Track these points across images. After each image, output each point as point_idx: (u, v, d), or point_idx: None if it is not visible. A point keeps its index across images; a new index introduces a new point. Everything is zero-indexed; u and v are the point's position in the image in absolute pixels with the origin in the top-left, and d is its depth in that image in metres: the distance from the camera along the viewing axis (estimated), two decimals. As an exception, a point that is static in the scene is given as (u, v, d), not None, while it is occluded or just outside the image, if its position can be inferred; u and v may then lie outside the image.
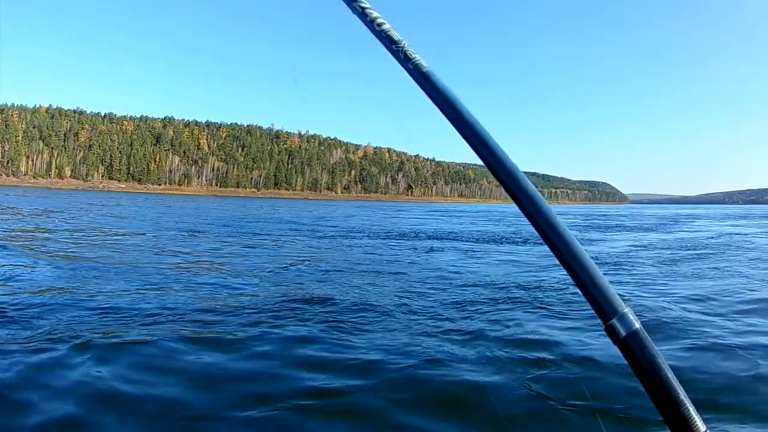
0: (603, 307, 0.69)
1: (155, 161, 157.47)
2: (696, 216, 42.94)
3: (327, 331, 4.42)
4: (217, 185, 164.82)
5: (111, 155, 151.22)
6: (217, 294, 6.02)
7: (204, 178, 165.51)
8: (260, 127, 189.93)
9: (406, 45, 0.97)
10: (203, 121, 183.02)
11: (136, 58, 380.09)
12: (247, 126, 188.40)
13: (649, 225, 27.32)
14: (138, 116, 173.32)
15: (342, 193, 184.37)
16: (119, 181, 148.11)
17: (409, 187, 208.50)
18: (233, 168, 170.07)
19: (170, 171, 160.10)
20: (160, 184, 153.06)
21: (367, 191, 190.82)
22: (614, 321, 0.68)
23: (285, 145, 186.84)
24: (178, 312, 4.90)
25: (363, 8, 1.05)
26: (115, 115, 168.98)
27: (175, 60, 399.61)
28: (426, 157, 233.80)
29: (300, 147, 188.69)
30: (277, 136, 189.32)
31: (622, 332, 0.67)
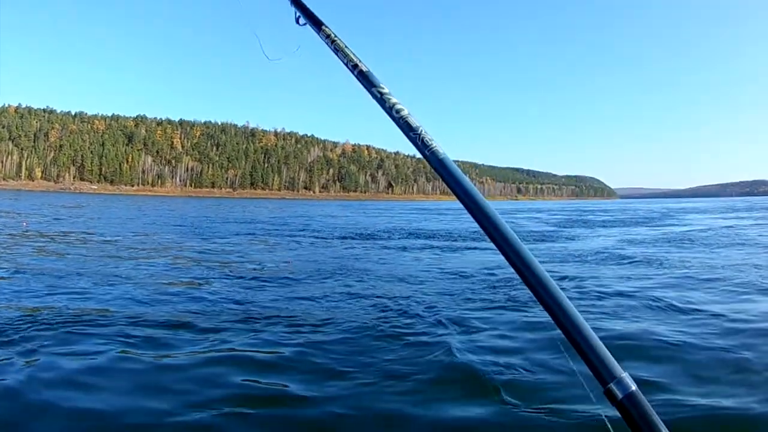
0: (601, 372, 0.79)
1: (128, 161, 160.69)
2: (686, 210, 42.06)
3: (287, 341, 4.21)
4: (191, 186, 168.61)
5: (82, 155, 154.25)
6: (175, 300, 5.82)
7: (178, 179, 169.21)
8: (235, 125, 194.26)
9: (423, 131, 1.07)
10: (176, 120, 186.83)
11: (107, 56, 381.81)
12: (222, 124, 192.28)
13: (636, 220, 27.09)
14: (109, 115, 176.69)
15: (320, 192, 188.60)
16: (91, 182, 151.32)
17: (390, 185, 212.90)
18: (208, 168, 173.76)
19: (143, 171, 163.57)
20: (132, 185, 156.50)
21: (347, 190, 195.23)
22: (612, 385, 0.77)
23: (261, 144, 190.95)
24: (128, 316, 4.82)
25: (382, 93, 1.16)
26: (86, 114, 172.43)
27: (146, 57, 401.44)
28: (406, 154, 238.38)
29: (276, 145, 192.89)
30: (252, 134, 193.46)
31: (620, 395, 0.77)
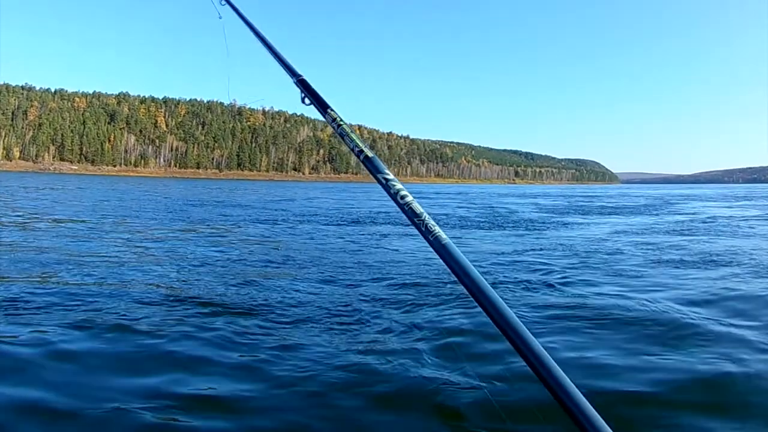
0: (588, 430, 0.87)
1: (110, 141, 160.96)
2: (690, 197, 40.66)
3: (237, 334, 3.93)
4: (176, 166, 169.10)
5: (62, 135, 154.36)
6: (127, 286, 5.64)
7: (162, 159, 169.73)
8: (221, 104, 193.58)
9: (426, 217, 1.16)
10: (160, 97, 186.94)
11: (87, 30, 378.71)
12: (208, 102, 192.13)
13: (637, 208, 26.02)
14: (90, 92, 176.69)
15: (310, 173, 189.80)
16: (71, 162, 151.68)
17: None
18: (193, 148, 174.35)
19: (126, 151, 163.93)
20: (114, 166, 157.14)
21: (337, 172, 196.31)
22: None
23: (248, 123, 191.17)
24: (72, 303, 4.62)
25: (387, 180, 1.28)
26: (66, 91, 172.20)
27: (128, 31, 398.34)
28: (400, 135, 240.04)
29: (264, 124, 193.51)
30: (239, 112, 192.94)
31: None
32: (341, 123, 1.44)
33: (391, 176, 1.24)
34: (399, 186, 1.21)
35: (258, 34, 1.98)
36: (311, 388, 3.12)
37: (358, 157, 1.34)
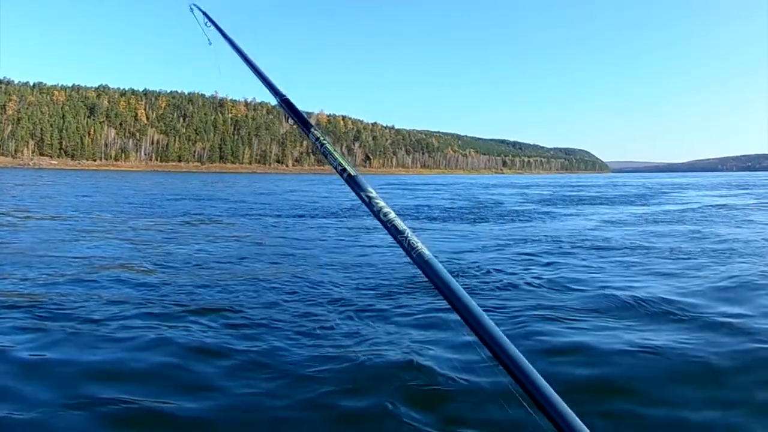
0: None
1: (89, 135, 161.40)
2: (683, 186, 42.54)
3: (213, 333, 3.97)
4: (157, 160, 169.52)
5: (41, 129, 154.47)
6: (96, 284, 5.59)
7: (143, 152, 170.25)
8: (203, 95, 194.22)
9: (409, 234, 1.18)
10: (140, 90, 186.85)
11: (65, 22, 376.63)
12: (189, 94, 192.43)
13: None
14: (69, 85, 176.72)
15: (293, 165, 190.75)
16: (51, 157, 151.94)
17: (367, 157, 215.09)
18: (174, 140, 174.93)
19: (106, 145, 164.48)
20: (95, 160, 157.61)
21: (321, 163, 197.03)
22: None
23: (230, 115, 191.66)
24: (33, 304, 4.59)
25: (371, 198, 1.29)
26: (45, 84, 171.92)
27: (107, 21, 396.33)
28: (384, 125, 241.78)
29: (247, 116, 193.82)
30: (221, 104, 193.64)
31: None
32: (324, 141, 1.48)
33: (374, 194, 1.27)
34: (382, 204, 1.25)
35: (242, 54, 2.02)
36: (290, 398, 3.07)
37: (341, 175, 1.37)
